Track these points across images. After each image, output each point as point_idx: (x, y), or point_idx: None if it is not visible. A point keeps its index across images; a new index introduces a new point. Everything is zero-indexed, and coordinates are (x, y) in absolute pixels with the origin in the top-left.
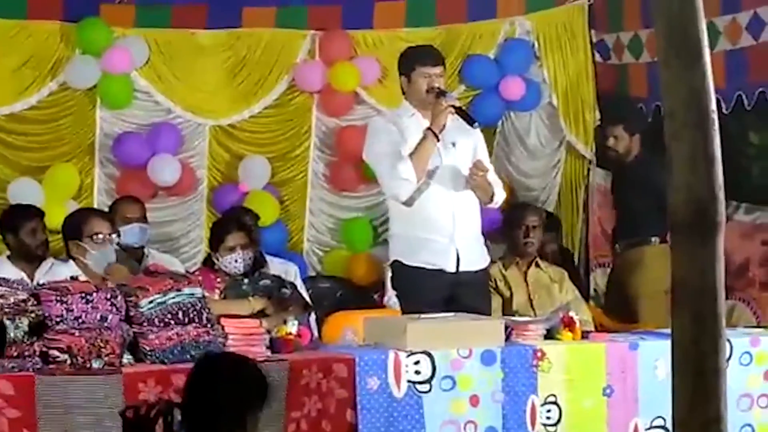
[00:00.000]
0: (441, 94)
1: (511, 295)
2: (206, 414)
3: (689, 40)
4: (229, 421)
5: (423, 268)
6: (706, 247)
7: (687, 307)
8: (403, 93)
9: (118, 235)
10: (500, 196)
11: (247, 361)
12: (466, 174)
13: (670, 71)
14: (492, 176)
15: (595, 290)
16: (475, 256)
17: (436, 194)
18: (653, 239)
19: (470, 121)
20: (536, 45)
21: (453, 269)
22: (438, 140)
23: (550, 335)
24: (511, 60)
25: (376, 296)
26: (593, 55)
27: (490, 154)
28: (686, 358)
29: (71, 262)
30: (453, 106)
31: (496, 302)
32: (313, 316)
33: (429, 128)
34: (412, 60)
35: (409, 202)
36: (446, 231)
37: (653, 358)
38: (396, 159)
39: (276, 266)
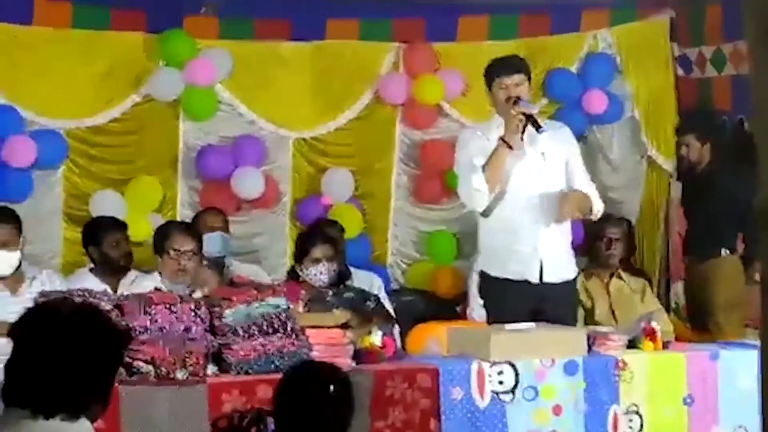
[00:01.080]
0: (516, 101)
1: (593, 306)
2: (303, 422)
3: None
4: (328, 428)
5: (507, 279)
6: None
7: None
8: (493, 106)
9: (201, 251)
10: (599, 206)
11: (337, 369)
12: (557, 184)
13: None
14: (588, 187)
15: (675, 302)
16: (560, 268)
17: (520, 204)
18: (723, 251)
19: (537, 127)
20: (618, 59)
21: (536, 280)
22: (511, 148)
23: (631, 345)
24: (594, 74)
25: (459, 309)
26: (675, 69)
27: None
28: None
29: (156, 274)
30: (522, 113)
31: (578, 313)
32: (397, 329)
33: (501, 137)
34: (491, 73)
35: (486, 213)
36: (530, 241)
37: (734, 367)
38: (471, 170)
39: (360, 278)
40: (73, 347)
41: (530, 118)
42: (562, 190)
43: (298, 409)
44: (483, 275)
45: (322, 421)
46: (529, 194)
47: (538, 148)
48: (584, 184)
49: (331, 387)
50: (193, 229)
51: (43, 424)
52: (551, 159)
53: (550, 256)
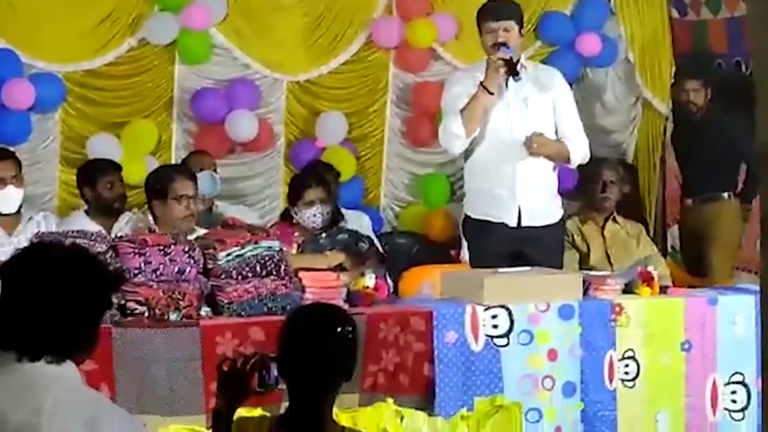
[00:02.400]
0: (498, 47)
1: (588, 250)
2: (308, 365)
3: None
4: (335, 371)
5: (486, 221)
6: None
7: None
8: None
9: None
10: (579, 154)
11: (342, 311)
12: (540, 130)
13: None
14: (575, 134)
15: (672, 246)
16: (540, 211)
17: (500, 148)
18: (725, 194)
19: (514, 74)
20: (612, 1)
21: (514, 223)
22: (491, 94)
23: (628, 290)
24: (588, 16)
25: (452, 252)
26: (670, 11)
27: None
28: None
29: (150, 216)
30: (502, 59)
31: (573, 257)
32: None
33: (481, 83)
34: (480, 17)
35: (465, 157)
36: (508, 185)
37: (732, 313)
38: (451, 113)
39: (349, 217)
40: (63, 289)
41: (509, 64)
42: (534, 132)
43: (303, 352)
44: (466, 217)
45: (328, 363)
46: (509, 140)
47: (522, 95)
48: (572, 130)
49: (338, 329)
50: (193, 174)
51: (29, 366)
52: (534, 105)
53: (528, 201)
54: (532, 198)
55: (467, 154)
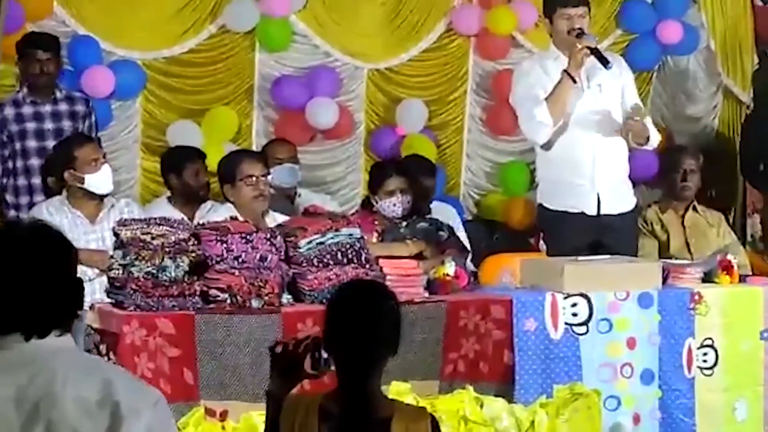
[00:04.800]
0: (580, 35)
1: (668, 238)
2: (353, 341)
3: None
4: (379, 345)
5: (564, 212)
6: None
7: None
8: (550, 36)
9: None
10: (655, 137)
11: (383, 287)
12: (613, 116)
13: None
14: (646, 118)
15: (752, 235)
16: (618, 200)
17: (578, 137)
18: None
19: (604, 62)
20: None
21: (594, 212)
22: (574, 82)
23: (707, 278)
24: (669, 4)
25: (532, 240)
26: None
27: (646, 98)
28: None
29: (230, 204)
30: (588, 47)
31: (653, 246)
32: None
33: (565, 70)
34: (553, 2)
35: (547, 146)
36: (587, 173)
37: None
38: (533, 102)
39: (436, 209)
40: (47, 263)
41: (596, 53)
42: (630, 109)
43: (347, 328)
44: (541, 208)
45: (372, 338)
46: (587, 127)
47: (595, 81)
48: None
49: (380, 304)
50: (262, 155)
51: (33, 343)
52: (607, 91)
53: (607, 189)
54: (610, 185)
55: (548, 144)
